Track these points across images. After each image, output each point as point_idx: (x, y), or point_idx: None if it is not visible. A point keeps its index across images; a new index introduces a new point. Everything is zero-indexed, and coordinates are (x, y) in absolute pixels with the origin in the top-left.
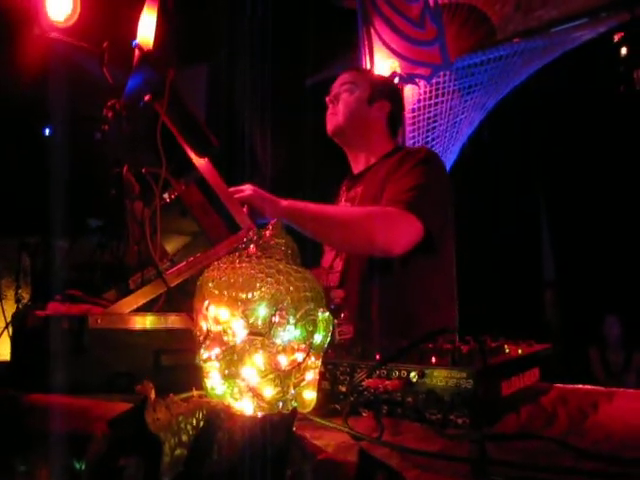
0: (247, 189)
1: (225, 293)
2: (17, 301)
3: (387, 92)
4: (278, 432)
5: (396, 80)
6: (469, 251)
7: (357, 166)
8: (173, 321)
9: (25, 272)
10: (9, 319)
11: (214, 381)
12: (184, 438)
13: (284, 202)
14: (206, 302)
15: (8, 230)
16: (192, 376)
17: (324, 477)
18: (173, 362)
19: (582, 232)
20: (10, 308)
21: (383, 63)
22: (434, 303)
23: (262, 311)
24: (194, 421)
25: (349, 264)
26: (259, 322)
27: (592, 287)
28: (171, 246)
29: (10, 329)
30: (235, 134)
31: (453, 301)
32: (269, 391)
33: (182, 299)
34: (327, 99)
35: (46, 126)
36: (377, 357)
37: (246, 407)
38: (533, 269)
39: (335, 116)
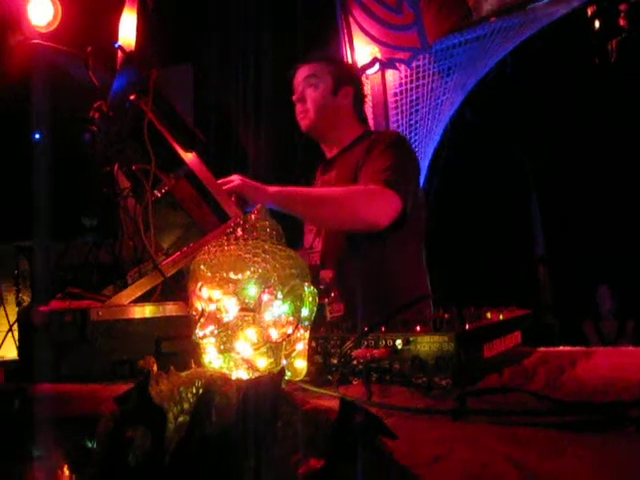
0: (235, 179)
1: (216, 274)
2: (18, 304)
3: (348, 77)
4: (268, 389)
5: (377, 66)
6: (461, 231)
7: (330, 152)
8: (170, 309)
9: (24, 276)
10: (12, 321)
11: (211, 356)
12: (186, 406)
13: (271, 188)
14: (199, 284)
15: (3, 235)
16: (191, 361)
17: (310, 423)
18: (172, 348)
19: (571, 206)
20: (12, 311)
21: (363, 49)
22: (409, 273)
23: (252, 289)
24: (194, 389)
25: (327, 243)
26: (249, 299)
27: (583, 260)
28: (165, 239)
29: (14, 331)
30: (223, 128)
31: (424, 270)
32: (262, 362)
33: (177, 288)
34: (294, 98)
35: (35, 131)
36: (365, 329)
37: (242, 377)
38: (525, 245)
39: (306, 114)
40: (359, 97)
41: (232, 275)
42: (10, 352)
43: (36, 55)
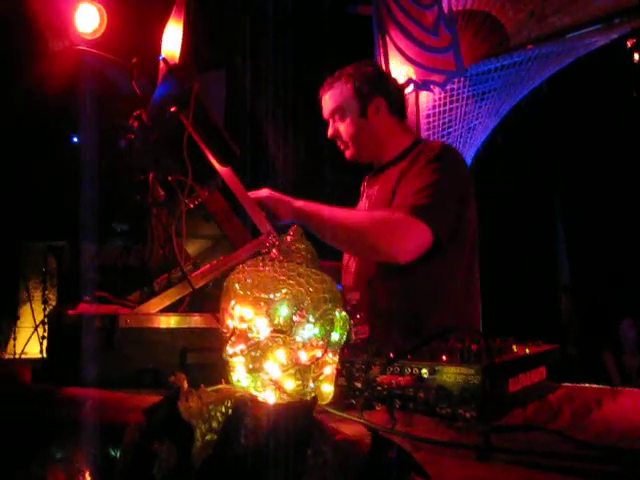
0: (263, 192)
1: (250, 294)
2: (44, 302)
3: (372, 89)
4: (300, 416)
5: (411, 87)
6: (484, 257)
7: (378, 163)
8: (198, 321)
9: (51, 274)
10: (38, 319)
11: (239, 374)
12: (214, 424)
13: (297, 203)
14: (232, 302)
15: (36, 234)
16: (216, 374)
17: (341, 454)
18: (198, 360)
19: (597, 236)
20: (37, 308)
21: (398, 70)
22: (444, 304)
23: (284, 310)
24: (223, 409)
25: (361, 265)
26: (281, 320)
27: (607, 291)
28: (192, 249)
29: (39, 330)
30: (254, 138)
31: (469, 300)
32: (290, 384)
33: (205, 300)
34: (329, 136)
35: (74, 134)
36: (390, 355)
37: (269, 398)
38: (549, 273)
39: (346, 147)
40: (394, 103)
41: (265, 295)
42: (33, 349)
43: (80, 61)
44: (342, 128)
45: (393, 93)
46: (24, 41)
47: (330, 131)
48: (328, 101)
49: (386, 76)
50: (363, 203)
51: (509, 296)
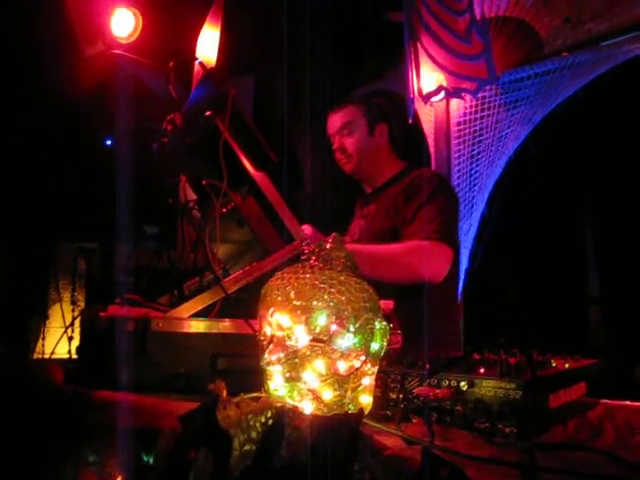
0: (305, 229)
1: (289, 301)
2: (73, 303)
3: (381, 115)
4: (345, 429)
5: (442, 94)
6: (513, 266)
7: (368, 187)
8: (230, 327)
9: (80, 276)
10: (67, 319)
11: (276, 383)
12: (253, 435)
13: None
14: (271, 309)
15: (68, 235)
16: (247, 381)
17: (390, 471)
18: (228, 366)
19: (629, 246)
20: (66, 309)
21: (429, 76)
22: (448, 309)
23: (324, 319)
24: (263, 419)
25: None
26: (320, 329)
27: (638, 303)
28: (222, 254)
29: (69, 330)
30: (281, 147)
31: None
32: (328, 394)
33: (236, 307)
34: (334, 148)
35: (108, 137)
36: (426, 367)
37: (306, 408)
38: (578, 285)
39: (348, 160)
40: (395, 133)
41: (305, 303)
42: (61, 349)
43: (115, 65)
44: (349, 142)
45: (396, 126)
46: (60, 45)
47: (335, 144)
48: (338, 119)
49: (394, 108)
50: (358, 222)
51: (535, 307)
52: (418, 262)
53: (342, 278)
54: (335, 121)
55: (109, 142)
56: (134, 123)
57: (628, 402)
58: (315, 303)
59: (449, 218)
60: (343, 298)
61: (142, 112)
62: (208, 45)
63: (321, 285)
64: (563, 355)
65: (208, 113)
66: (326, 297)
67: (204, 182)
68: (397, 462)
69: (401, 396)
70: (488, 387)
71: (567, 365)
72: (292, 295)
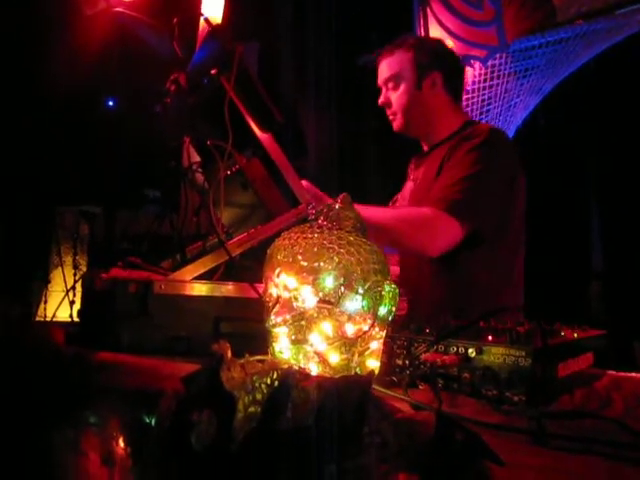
0: (304, 184)
1: (297, 262)
2: (75, 267)
3: (432, 62)
4: (355, 391)
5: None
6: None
7: (425, 144)
8: (232, 290)
9: (82, 240)
10: (68, 283)
11: (282, 345)
12: (258, 396)
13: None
14: (277, 269)
15: (67, 199)
16: (250, 344)
17: (403, 434)
18: (231, 329)
19: (633, 221)
20: (68, 273)
21: None
22: (485, 291)
23: (332, 281)
24: (269, 380)
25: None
26: (328, 291)
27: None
28: (226, 218)
29: (69, 294)
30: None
31: (510, 285)
32: (335, 357)
33: (239, 271)
34: (379, 103)
35: (109, 98)
36: (434, 333)
37: (312, 371)
38: (581, 259)
39: (395, 117)
40: (451, 81)
41: (313, 264)
42: (62, 312)
43: (116, 24)
44: (394, 97)
45: (453, 71)
46: (59, 3)
47: (381, 99)
48: (384, 68)
49: (450, 53)
50: (409, 186)
51: (538, 281)
52: (407, 232)
53: (351, 238)
54: (382, 71)
55: (111, 103)
56: (136, 84)
57: (634, 374)
58: (323, 264)
59: (477, 185)
60: (352, 259)
61: (144, 72)
62: (213, 3)
63: (329, 245)
64: (571, 325)
65: (213, 72)
66: (335, 258)
67: (209, 142)
68: (410, 425)
69: (407, 362)
70: (497, 354)
71: (576, 335)
72: (299, 255)
